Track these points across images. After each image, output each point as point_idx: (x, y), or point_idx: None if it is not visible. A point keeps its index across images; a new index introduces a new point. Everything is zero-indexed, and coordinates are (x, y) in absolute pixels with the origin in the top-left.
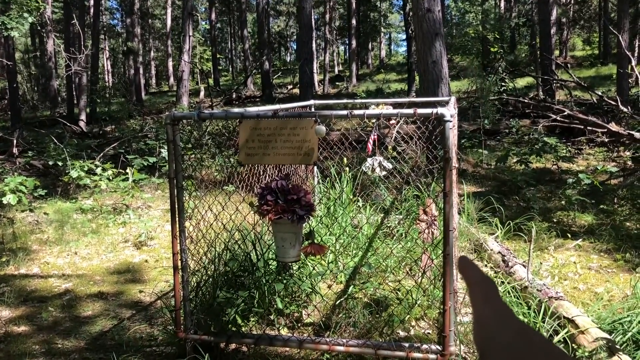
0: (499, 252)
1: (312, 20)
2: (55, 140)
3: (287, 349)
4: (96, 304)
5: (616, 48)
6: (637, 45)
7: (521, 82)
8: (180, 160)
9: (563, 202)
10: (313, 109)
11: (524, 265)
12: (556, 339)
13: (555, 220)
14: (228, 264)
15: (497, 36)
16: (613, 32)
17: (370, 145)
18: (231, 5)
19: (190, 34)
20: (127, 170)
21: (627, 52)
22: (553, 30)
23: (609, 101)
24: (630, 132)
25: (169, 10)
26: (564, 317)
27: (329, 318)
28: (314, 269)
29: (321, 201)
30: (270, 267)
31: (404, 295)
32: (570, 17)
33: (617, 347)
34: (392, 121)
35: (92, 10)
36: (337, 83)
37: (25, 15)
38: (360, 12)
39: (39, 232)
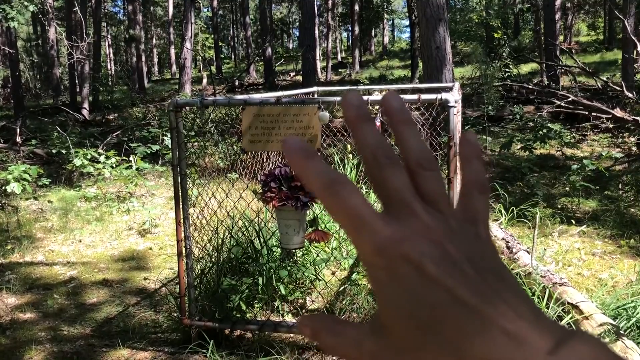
0: (503, 239)
1: (315, 6)
2: (59, 129)
3: (292, 335)
4: (101, 291)
5: (621, 33)
6: None
7: (525, 68)
8: (183, 148)
9: (567, 188)
10: (316, 96)
11: (528, 252)
12: (560, 324)
13: (559, 207)
14: (232, 251)
15: (501, 22)
16: (618, 17)
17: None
18: None
19: (193, 21)
20: (131, 158)
21: (633, 37)
22: (557, 16)
23: (614, 87)
24: (636, 117)
25: None
26: (568, 303)
27: (332, 304)
28: (317, 255)
29: None
30: (274, 254)
31: None
32: (575, 2)
33: (622, 332)
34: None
35: None
36: (339, 70)
37: (26, 3)
38: None
39: (43, 220)
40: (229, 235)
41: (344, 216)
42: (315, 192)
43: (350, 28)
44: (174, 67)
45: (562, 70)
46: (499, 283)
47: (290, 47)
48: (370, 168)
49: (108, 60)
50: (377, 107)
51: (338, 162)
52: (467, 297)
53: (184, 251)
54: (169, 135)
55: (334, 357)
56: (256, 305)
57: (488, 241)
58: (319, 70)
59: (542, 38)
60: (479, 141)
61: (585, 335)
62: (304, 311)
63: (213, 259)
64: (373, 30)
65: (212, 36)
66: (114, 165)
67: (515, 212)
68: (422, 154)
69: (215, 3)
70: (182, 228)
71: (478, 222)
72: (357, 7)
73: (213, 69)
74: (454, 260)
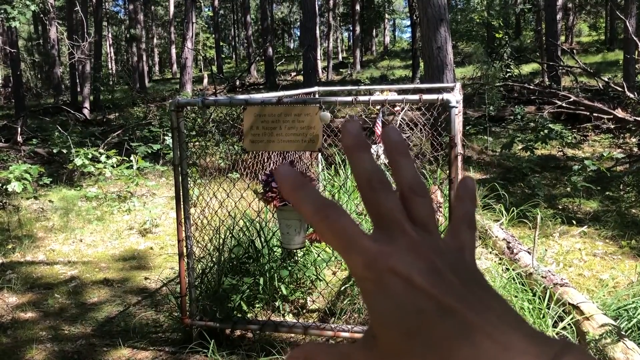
0: (504, 239)
1: (316, 6)
2: (60, 128)
3: (292, 335)
4: (102, 291)
5: (623, 33)
6: None
7: (526, 69)
8: (184, 147)
9: (568, 188)
10: (317, 96)
11: (529, 252)
12: (561, 325)
13: (560, 207)
14: (233, 251)
15: (502, 22)
16: (620, 18)
17: (378, 131)
18: None
19: (194, 20)
20: (131, 158)
21: (634, 38)
22: (559, 16)
23: (615, 87)
24: (637, 118)
25: None
26: (569, 303)
27: (333, 304)
28: (318, 255)
29: (326, 188)
30: (275, 254)
31: None
32: (577, 2)
33: (623, 333)
34: (397, 108)
35: None
36: (340, 70)
37: (28, 3)
38: None
39: (44, 219)
40: (230, 235)
41: (335, 237)
42: (307, 217)
43: (351, 28)
44: (175, 66)
45: (564, 71)
46: (484, 293)
47: (291, 47)
48: (365, 191)
49: (109, 60)
50: (379, 106)
51: (339, 162)
52: (452, 304)
53: (185, 251)
54: (169, 134)
55: None
56: (257, 305)
57: (473, 264)
58: (320, 70)
59: (544, 38)
60: (475, 186)
61: (571, 344)
62: (304, 311)
63: (214, 259)
64: (374, 30)
65: (213, 36)
66: (115, 165)
67: (516, 212)
68: (415, 181)
69: (216, 3)
70: (183, 228)
71: (464, 249)
72: (358, 7)
73: (214, 68)
74: (440, 272)
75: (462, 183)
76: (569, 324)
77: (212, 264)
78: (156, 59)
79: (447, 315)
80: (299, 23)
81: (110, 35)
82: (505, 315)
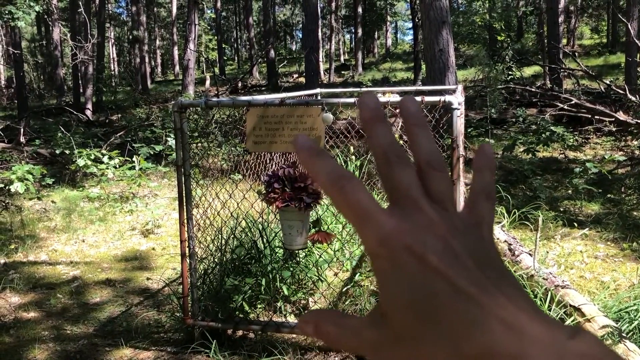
0: (506, 241)
1: (318, 8)
2: (62, 129)
3: (294, 335)
4: (104, 291)
5: (625, 36)
6: None
7: (528, 71)
8: (187, 148)
9: (570, 191)
10: (319, 97)
11: (530, 254)
12: (558, 320)
13: (562, 209)
14: (235, 252)
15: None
16: (622, 20)
17: None
18: None
19: (196, 22)
20: (134, 159)
21: (636, 40)
22: (561, 19)
23: (617, 90)
24: (639, 121)
25: None
26: (571, 305)
27: (335, 305)
28: (320, 256)
29: None
30: (277, 254)
31: None
32: (579, 5)
33: (624, 335)
34: (399, 109)
35: None
36: (342, 72)
37: (32, 4)
38: (366, 0)
39: (47, 219)
40: (232, 235)
41: (350, 210)
42: (323, 187)
43: (353, 30)
44: (177, 67)
45: (565, 73)
46: (499, 278)
47: (293, 49)
48: (381, 165)
49: (112, 61)
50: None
51: (341, 164)
52: (466, 287)
53: (187, 251)
54: (172, 135)
55: (336, 358)
56: (259, 306)
57: (491, 242)
58: (322, 72)
59: (545, 41)
60: (493, 153)
61: (586, 332)
62: (306, 312)
63: (216, 259)
64: (376, 33)
65: (216, 37)
66: (117, 166)
67: (517, 214)
68: (433, 154)
69: (218, 4)
70: (186, 228)
71: (482, 224)
72: (360, 10)
73: (216, 70)
74: (455, 254)
75: (479, 152)
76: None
77: (214, 265)
78: (158, 61)
79: (461, 298)
80: (301, 25)
81: (112, 36)
82: (519, 300)
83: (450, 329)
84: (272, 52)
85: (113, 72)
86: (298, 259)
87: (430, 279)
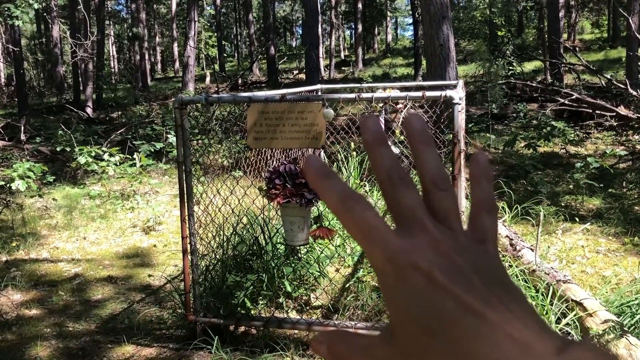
0: (507, 236)
1: (318, 4)
2: (63, 127)
3: (296, 331)
4: (106, 288)
5: (625, 31)
6: None
7: (529, 66)
8: (188, 145)
9: (571, 186)
10: (320, 93)
11: (531, 249)
12: (564, 321)
13: (563, 204)
14: (237, 248)
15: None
16: (622, 15)
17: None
18: None
19: (196, 19)
20: (134, 156)
21: (637, 35)
22: (561, 13)
23: (618, 84)
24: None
25: None
26: (572, 300)
27: (337, 301)
28: (322, 252)
29: None
30: (279, 250)
31: None
32: None
33: (626, 329)
34: (400, 105)
35: None
36: (343, 68)
37: (31, 1)
38: None
39: (48, 217)
40: (234, 232)
41: (358, 229)
42: (332, 207)
43: (353, 26)
44: (177, 64)
45: (566, 68)
46: (504, 294)
47: (294, 45)
48: (385, 187)
49: (111, 59)
50: (381, 104)
51: (342, 160)
52: (473, 304)
53: (188, 248)
54: (172, 133)
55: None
56: (260, 302)
57: (495, 258)
58: (322, 68)
59: (546, 36)
60: (488, 162)
61: (589, 343)
62: (308, 308)
63: (218, 256)
64: (376, 28)
65: (216, 34)
66: (118, 163)
67: (519, 209)
68: (438, 173)
69: (218, 1)
70: (187, 225)
71: (487, 241)
72: (360, 5)
73: (216, 67)
74: (461, 270)
75: (474, 161)
76: (572, 320)
77: (215, 261)
78: (158, 58)
79: (468, 314)
80: (301, 21)
81: (112, 33)
82: (525, 316)
83: (458, 345)
84: (272, 49)
85: (113, 70)
86: (300, 255)
87: (437, 295)
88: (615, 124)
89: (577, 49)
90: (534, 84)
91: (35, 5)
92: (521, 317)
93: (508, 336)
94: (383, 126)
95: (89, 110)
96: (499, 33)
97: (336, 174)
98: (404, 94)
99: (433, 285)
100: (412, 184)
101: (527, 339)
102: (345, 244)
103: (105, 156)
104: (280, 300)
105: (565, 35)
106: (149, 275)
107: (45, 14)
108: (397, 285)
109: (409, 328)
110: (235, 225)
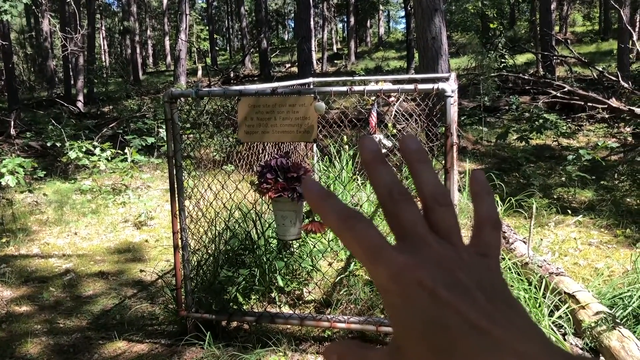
0: None
1: None
2: (53, 121)
3: (289, 326)
4: (97, 284)
5: (617, 23)
6: (637, 20)
7: (521, 59)
8: (178, 139)
9: (563, 178)
10: (312, 87)
11: (524, 242)
12: (557, 314)
13: (555, 197)
14: (229, 243)
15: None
16: (614, 7)
17: (373, 121)
18: None
19: (187, 12)
20: (126, 151)
21: (628, 27)
22: (553, 6)
23: (610, 77)
24: (631, 107)
25: None
26: (565, 292)
27: (330, 295)
28: (314, 246)
29: (321, 179)
30: (271, 245)
31: None
32: None
33: (618, 321)
34: (392, 98)
35: None
36: (335, 61)
37: None
38: None
39: (39, 212)
40: (226, 226)
41: (360, 247)
42: (333, 227)
43: (345, 19)
44: (169, 58)
45: (558, 61)
46: (508, 310)
47: (286, 39)
48: (386, 203)
49: (103, 52)
50: (373, 97)
51: (334, 153)
52: (478, 320)
53: (180, 243)
54: (164, 127)
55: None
56: (253, 297)
57: (498, 273)
58: (314, 62)
59: (538, 28)
60: (486, 178)
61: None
62: (300, 302)
63: (209, 251)
64: (369, 21)
65: (207, 28)
66: (109, 158)
67: (511, 202)
68: (437, 189)
69: None
70: (178, 220)
71: (490, 256)
72: None
73: (208, 60)
74: (465, 287)
75: (473, 179)
76: (564, 313)
77: (207, 256)
78: (150, 51)
79: (473, 331)
80: (293, 14)
81: (103, 27)
82: (529, 332)
83: None
84: (264, 42)
85: (104, 64)
86: (292, 250)
87: (441, 312)
88: (607, 116)
89: (568, 41)
90: (526, 77)
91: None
92: (525, 332)
93: (514, 352)
94: (375, 119)
95: (80, 104)
96: (491, 26)
97: (335, 194)
98: (396, 87)
99: (438, 302)
100: (412, 200)
101: (533, 353)
102: (337, 237)
103: (97, 151)
104: (273, 295)
105: (557, 28)
106: (141, 271)
107: (34, 8)
108: (402, 303)
109: (415, 345)
110: (227, 220)
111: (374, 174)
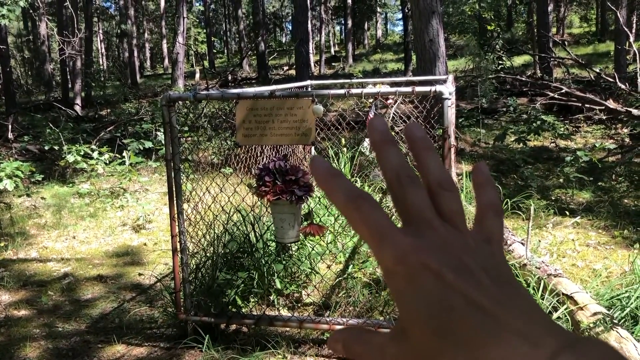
0: None
1: (308, 0)
2: (51, 125)
3: (288, 328)
4: (96, 287)
5: (614, 25)
6: (634, 21)
7: (518, 60)
8: (177, 142)
9: (561, 179)
10: (310, 89)
11: (522, 243)
12: (555, 315)
13: (553, 198)
14: (227, 246)
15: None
16: (611, 8)
17: None
18: None
19: (185, 15)
20: (124, 154)
21: (625, 28)
22: (550, 8)
23: (607, 78)
24: (628, 109)
25: None
26: (563, 293)
27: (328, 298)
28: (313, 249)
29: None
30: (270, 248)
31: None
32: None
33: (616, 322)
34: (390, 100)
35: None
36: (333, 64)
37: None
38: None
39: (37, 216)
40: (224, 229)
41: (367, 229)
42: (339, 207)
43: (343, 21)
44: (167, 61)
45: (555, 62)
46: (512, 292)
47: (284, 41)
48: (393, 186)
49: (100, 56)
50: (371, 99)
51: (332, 156)
52: (482, 302)
53: (178, 246)
54: (162, 130)
55: (331, 351)
56: (252, 300)
57: (501, 257)
58: (312, 64)
59: (535, 30)
60: (489, 170)
61: (597, 340)
62: (299, 305)
63: (208, 254)
64: (366, 24)
65: (205, 30)
66: (108, 161)
67: (509, 204)
68: (443, 175)
69: None
70: (177, 223)
71: (492, 242)
72: (349, 1)
73: (206, 63)
74: (470, 270)
75: (476, 170)
76: (563, 314)
77: (206, 259)
78: (147, 54)
79: (478, 312)
80: (290, 17)
81: (101, 31)
82: (533, 313)
83: (468, 342)
84: (262, 45)
85: (102, 67)
86: (291, 252)
87: (447, 294)
88: (604, 117)
89: (566, 43)
90: (523, 78)
91: (22, 3)
92: (530, 313)
93: (518, 332)
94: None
95: (77, 108)
96: (489, 27)
97: (342, 174)
98: (394, 89)
99: (443, 284)
100: (420, 183)
101: (537, 334)
102: (336, 240)
103: (95, 154)
104: (272, 297)
105: (554, 30)
106: (139, 274)
107: (32, 12)
108: (407, 286)
109: (420, 327)
110: (225, 223)
111: (383, 156)
